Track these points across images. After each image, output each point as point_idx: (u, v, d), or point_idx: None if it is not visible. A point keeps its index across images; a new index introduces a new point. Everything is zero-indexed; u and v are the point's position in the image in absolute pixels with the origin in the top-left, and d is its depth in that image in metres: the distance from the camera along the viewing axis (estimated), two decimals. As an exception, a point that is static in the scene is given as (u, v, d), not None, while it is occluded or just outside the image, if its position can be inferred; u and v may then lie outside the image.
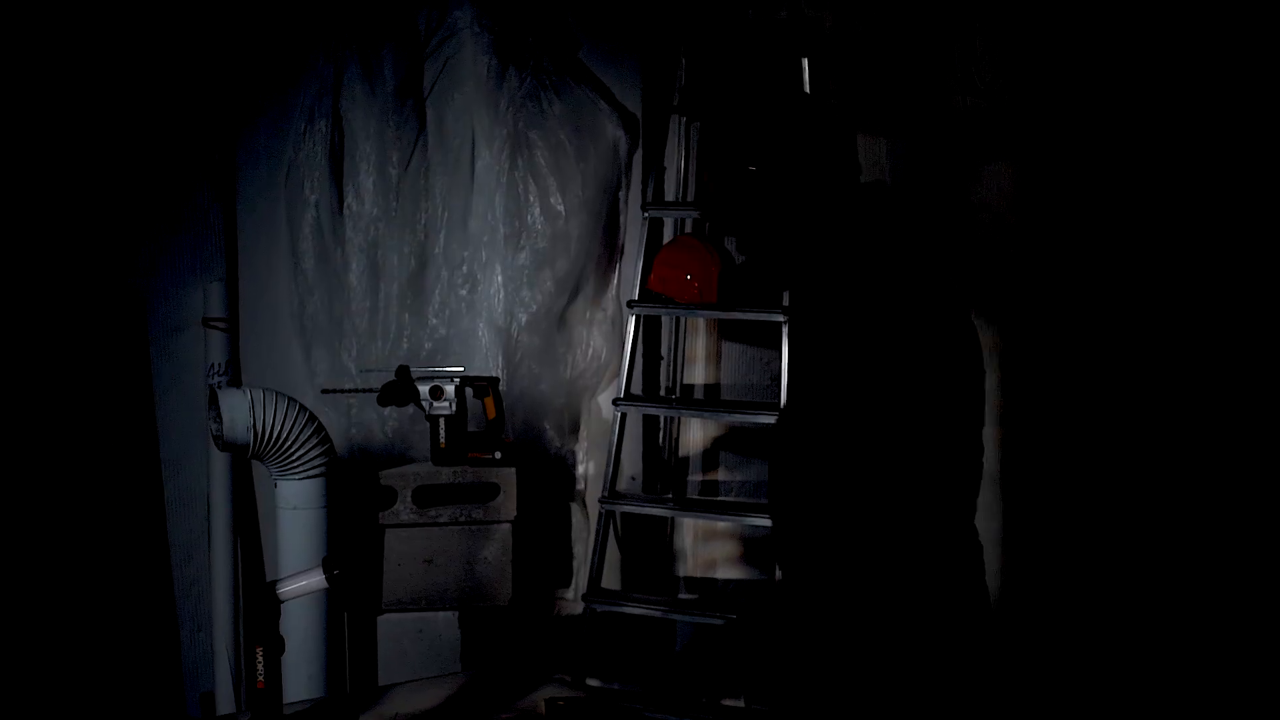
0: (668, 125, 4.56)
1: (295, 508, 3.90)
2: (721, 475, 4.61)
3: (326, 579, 2.78)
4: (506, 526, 4.21)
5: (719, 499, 4.58)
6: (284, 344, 4.48)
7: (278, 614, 2.79)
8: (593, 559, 4.31)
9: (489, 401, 4.23)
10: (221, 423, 3.80)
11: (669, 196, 4.52)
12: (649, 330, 4.54)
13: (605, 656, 4.44)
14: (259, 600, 2.77)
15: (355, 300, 4.43)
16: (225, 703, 4.40)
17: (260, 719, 2.77)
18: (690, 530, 4.62)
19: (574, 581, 4.60)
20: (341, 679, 4.13)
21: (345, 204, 4.42)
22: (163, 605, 4.47)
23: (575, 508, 4.62)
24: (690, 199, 4.49)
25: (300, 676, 3.89)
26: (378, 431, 4.44)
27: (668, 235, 4.52)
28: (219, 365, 4.37)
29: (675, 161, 4.54)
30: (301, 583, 2.79)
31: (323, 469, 3.91)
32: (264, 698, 2.78)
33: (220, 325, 4.38)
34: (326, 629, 3.98)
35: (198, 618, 4.50)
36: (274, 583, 2.80)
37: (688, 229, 4.50)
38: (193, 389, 4.41)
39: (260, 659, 2.78)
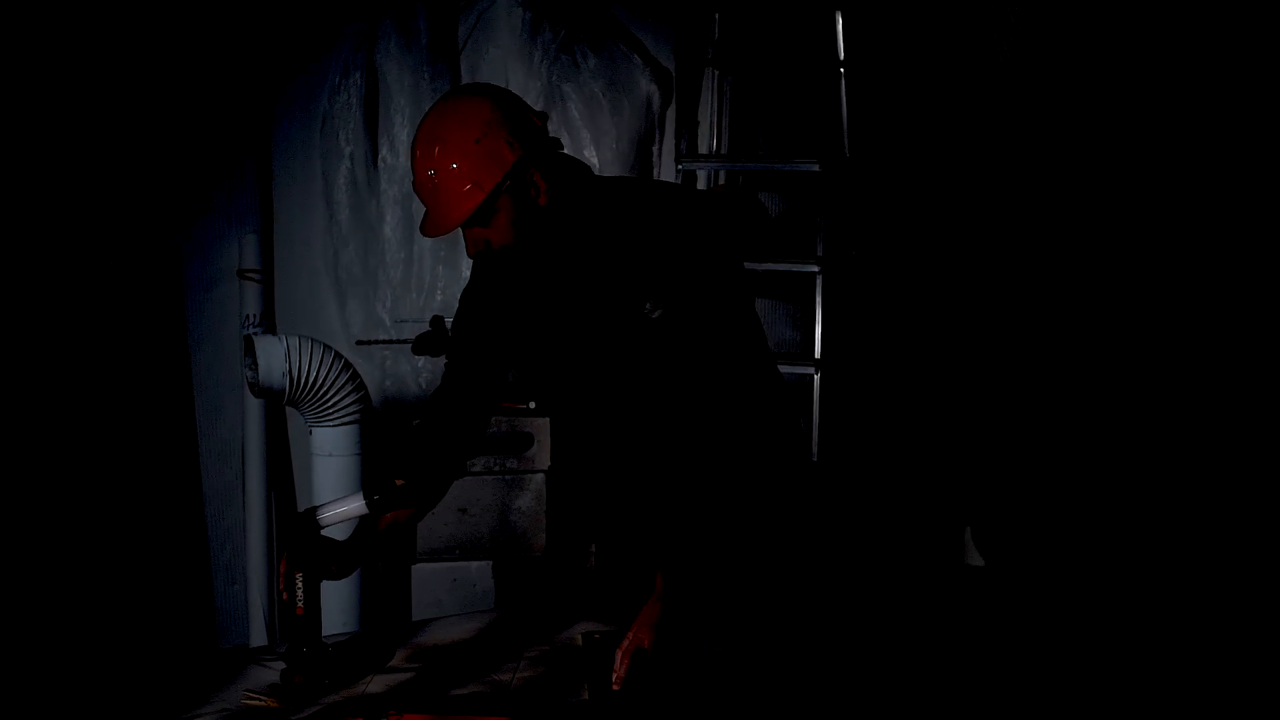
0: (701, 80, 4.57)
1: (330, 454, 3.92)
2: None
3: (367, 504, 2.78)
4: (540, 477, 4.22)
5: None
6: (319, 296, 4.50)
7: (319, 539, 2.79)
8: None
9: (523, 352, 4.24)
10: (257, 370, 3.82)
11: (702, 151, 4.52)
12: (682, 284, 4.53)
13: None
14: (300, 525, 2.78)
15: (390, 252, 4.44)
16: (260, 654, 4.42)
17: (298, 645, 2.77)
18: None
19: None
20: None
21: (380, 156, 4.43)
22: (197, 558, 4.49)
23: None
24: (723, 152, 4.49)
25: (334, 625, 3.90)
26: (411, 384, 4.46)
27: (701, 189, 4.52)
28: (254, 317, 4.39)
29: (709, 116, 4.54)
30: (342, 508, 2.80)
31: (357, 415, 3.92)
32: (303, 624, 2.78)
33: (255, 277, 4.40)
34: (361, 578, 4.00)
35: (232, 571, 4.52)
36: (314, 508, 2.80)
37: (722, 181, 4.50)
38: (228, 342, 4.43)
39: (300, 584, 2.78)
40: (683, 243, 2.78)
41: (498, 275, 2.93)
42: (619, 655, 2.72)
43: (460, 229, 2.78)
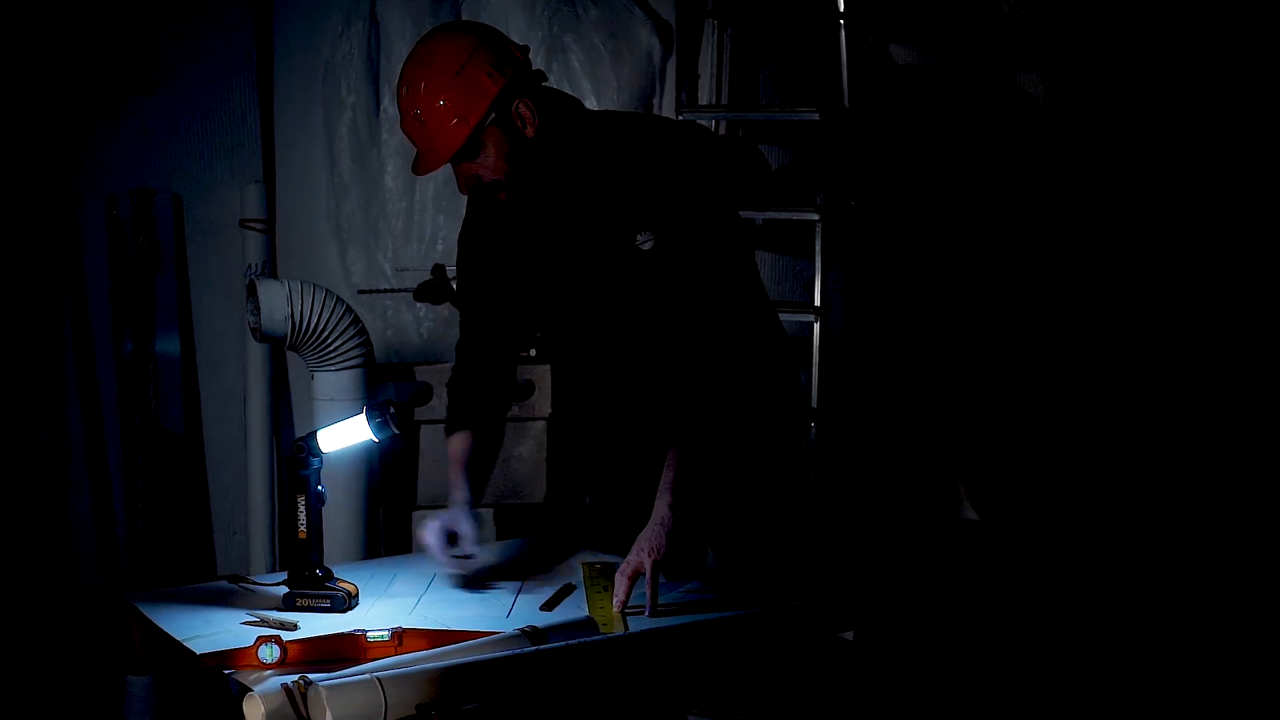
0: (701, 33, 4.58)
1: (332, 399, 3.93)
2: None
3: (368, 426, 2.80)
4: (541, 424, 4.24)
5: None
6: (320, 245, 4.51)
7: (319, 463, 2.81)
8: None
9: (524, 299, 4.26)
10: (259, 314, 3.84)
11: (703, 102, 4.53)
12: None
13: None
14: (299, 448, 2.80)
15: (391, 202, 4.46)
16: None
17: (300, 569, 2.79)
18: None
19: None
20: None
21: (381, 106, 4.44)
22: (197, 508, 4.51)
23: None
24: (724, 103, 4.50)
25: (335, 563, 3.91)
26: (413, 334, 4.48)
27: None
28: (256, 266, 4.40)
29: (709, 68, 4.55)
30: (342, 431, 2.81)
31: (360, 360, 3.93)
32: (305, 548, 2.80)
33: (258, 226, 4.41)
34: (365, 527, 4.02)
35: (233, 522, 4.54)
36: (314, 432, 2.82)
37: (722, 131, 4.51)
38: (229, 291, 4.44)
39: (301, 508, 2.80)
40: (675, 175, 2.80)
41: (490, 211, 2.95)
42: (619, 579, 2.74)
43: (451, 166, 2.80)
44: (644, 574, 2.72)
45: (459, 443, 3.06)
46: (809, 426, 4.09)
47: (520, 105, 2.77)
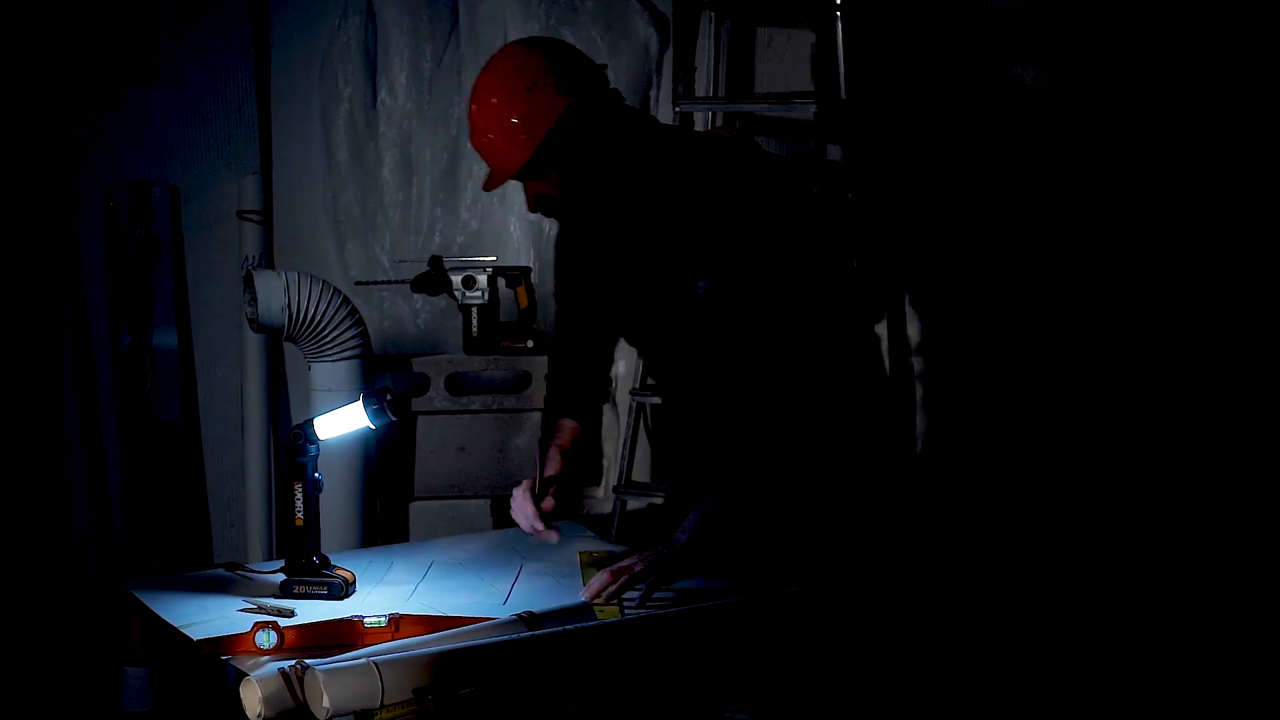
0: (698, 25, 4.58)
1: (329, 390, 3.93)
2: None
3: (365, 413, 2.80)
4: (539, 415, 4.23)
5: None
6: (318, 238, 4.52)
7: (316, 449, 2.81)
8: (623, 451, 4.33)
9: (521, 291, 4.26)
10: (257, 305, 3.84)
11: (699, 94, 4.53)
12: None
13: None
14: (296, 435, 2.80)
15: (388, 194, 4.47)
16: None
17: (296, 556, 2.79)
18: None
19: (604, 480, 4.63)
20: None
21: (378, 98, 4.45)
22: (195, 500, 4.51)
23: (605, 407, 4.63)
24: (721, 95, 4.50)
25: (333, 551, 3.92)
26: (410, 325, 4.48)
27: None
28: (253, 258, 4.40)
29: (706, 60, 4.55)
30: (338, 418, 2.82)
31: (357, 351, 3.94)
32: (301, 535, 2.80)
33: (255, 218, 4.42)
34: (362, 517, 4.02)
35: (230, 514, 4.54)
36: (311, 419, 2.82)
37: (719, 123, 4.51)
38: (227, 283, 4.45)
39: (299, 495, 2.80)
40: (734, 223, 2.71)
41: (578, 222, 2.92)
42: (608, 571, 2.71)
43: (520, 184, 2.78)
44: (627, 576, 2.68)
45: (559, 425, 3.04)
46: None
47: (590, 125, 2.72)
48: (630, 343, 3.16)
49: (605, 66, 2.83)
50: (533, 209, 2.83)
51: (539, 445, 3.02)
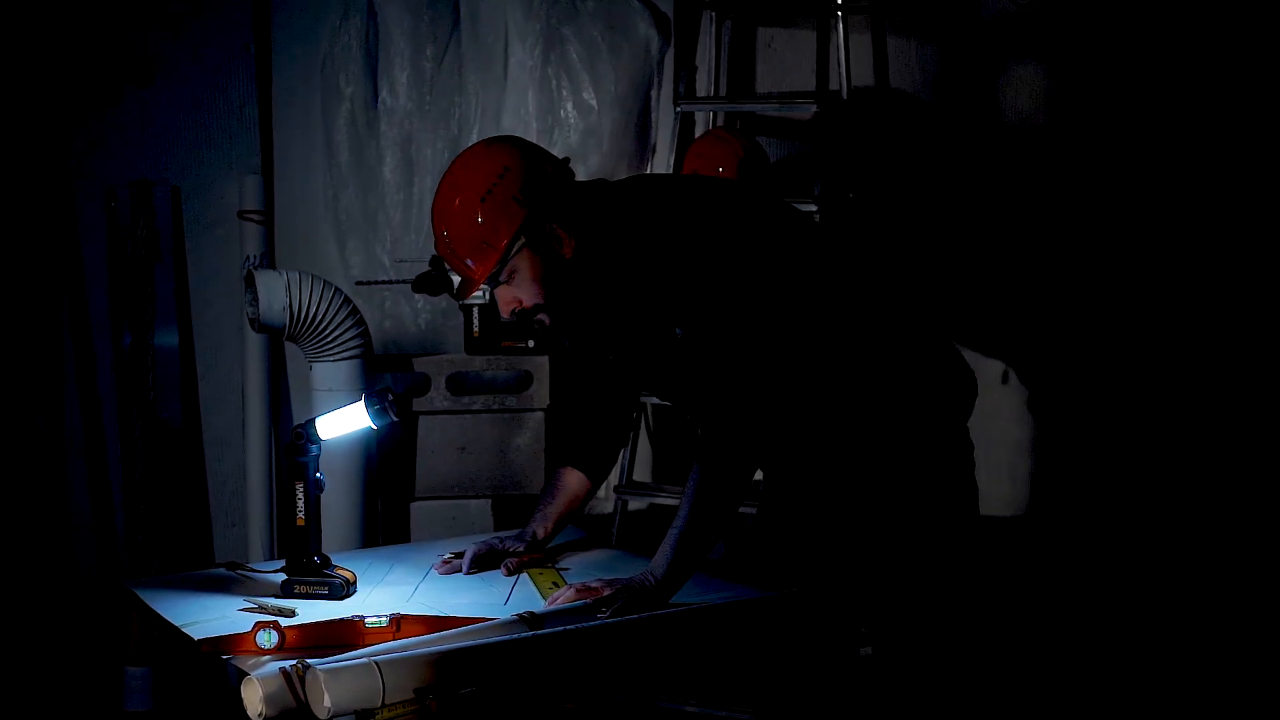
0: (699, 25, 4.59)
1: (330, 389, 3.93)
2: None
3: (367, 413, 2.80)
4: (540, 415, 4.24)
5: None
6: (319, 237, 4.52)
7: (317, 449, 2.81)
8: (624, 451, 4.33)
9: (522, 290, 4.26)
10: (258, 305, 3.84)
11: (700, 94, 4.54)
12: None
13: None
14: (298, 435, 2.80)
15: (389, 194, 4.47)
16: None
17: (297, 556, 2.79)
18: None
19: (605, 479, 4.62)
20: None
21: (380, 98, 4.45)
22: (196, 500, 4.51)
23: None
24: (722, 95, 4.50)
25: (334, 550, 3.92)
26: (410, 325, 4.48)
27: (699, 135, 4.53)
28: (254, 258, 4.40)
29: (707, 60, 4.56)
30: (340, 418, 2.82)
31: (358, 350, 3.94)
32: (303, 535, 2.80)
33: (256, 218, 4.42)
34: (364, 517, 4.02)
35: (231, 514, 4.54)
36: (313, 419, 2.82)
37: (720, 123, 4.52)
38: (228, 283, 4.45)
39: (300, 494, 2.80)
40: (696, 272, 2.69)
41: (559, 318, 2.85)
42: (575, 589, 2.67)
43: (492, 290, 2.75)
44: (591, 600, 2.63)
45: (561, 480, 3.04)
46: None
47: (553, 227, 2.69)
48: (632, 386, 3.15)
49: (567, 159, 2.80)
50: (506, 316, 2.77)
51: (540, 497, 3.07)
